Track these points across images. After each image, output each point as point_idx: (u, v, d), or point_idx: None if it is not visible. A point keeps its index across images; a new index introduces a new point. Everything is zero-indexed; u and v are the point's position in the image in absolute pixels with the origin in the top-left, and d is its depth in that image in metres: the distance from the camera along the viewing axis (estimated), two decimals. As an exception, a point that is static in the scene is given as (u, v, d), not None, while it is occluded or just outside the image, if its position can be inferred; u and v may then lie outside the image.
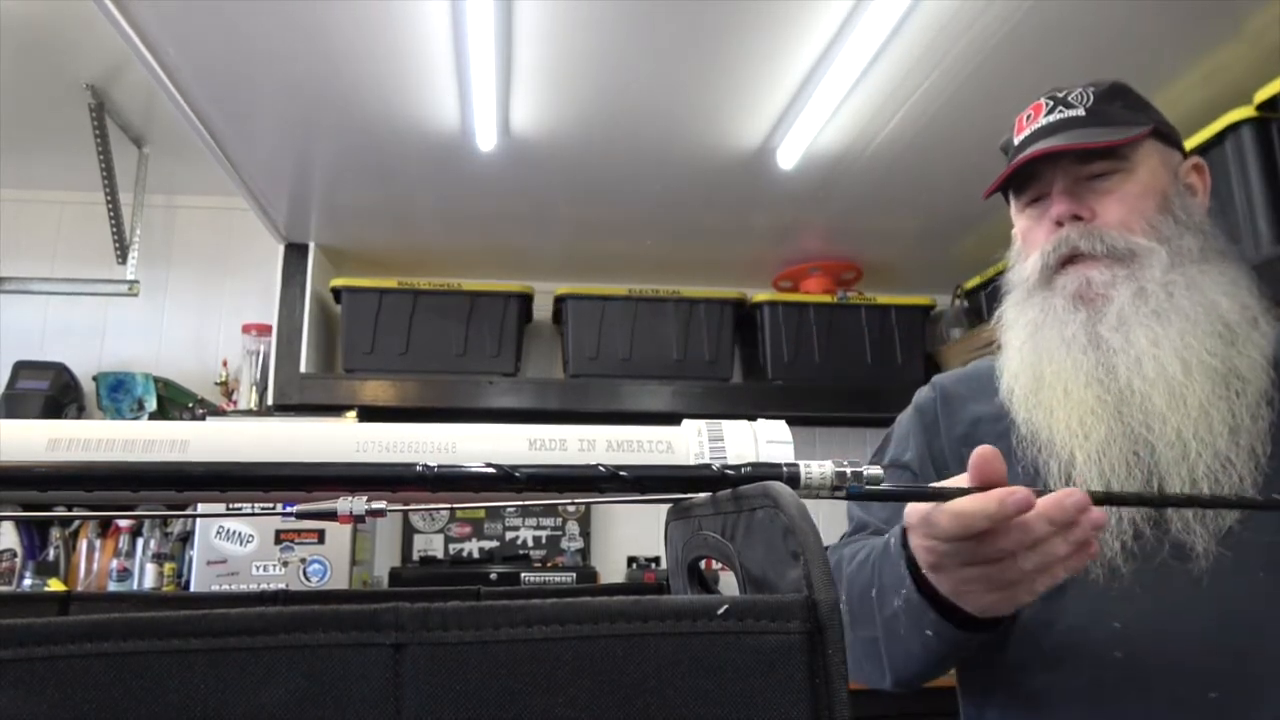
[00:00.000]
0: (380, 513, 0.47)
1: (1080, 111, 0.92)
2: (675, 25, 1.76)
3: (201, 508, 1.13)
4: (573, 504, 0.59)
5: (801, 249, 2.97)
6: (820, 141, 2.18)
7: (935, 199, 2.53)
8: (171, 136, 2.66)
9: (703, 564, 0.58)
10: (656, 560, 3.01)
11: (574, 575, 2.88)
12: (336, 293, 2.91)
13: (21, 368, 2.78)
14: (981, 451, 0.61)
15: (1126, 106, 0.93)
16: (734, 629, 0.35)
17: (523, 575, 2.83)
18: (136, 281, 2.82)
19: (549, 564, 3.01)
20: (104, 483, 0.45)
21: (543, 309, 3.07)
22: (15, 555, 2.63)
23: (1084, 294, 0.89)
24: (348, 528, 2.44)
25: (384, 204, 2.61)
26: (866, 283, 3.16)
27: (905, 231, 2.80)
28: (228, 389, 2.90)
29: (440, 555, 3.01)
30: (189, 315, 3.04)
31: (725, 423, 0.60)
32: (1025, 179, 0.95)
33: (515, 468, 0.47)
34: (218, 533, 2.43)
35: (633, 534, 3.11)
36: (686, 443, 0.59)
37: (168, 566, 2.62)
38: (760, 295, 3.04)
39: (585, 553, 3.08)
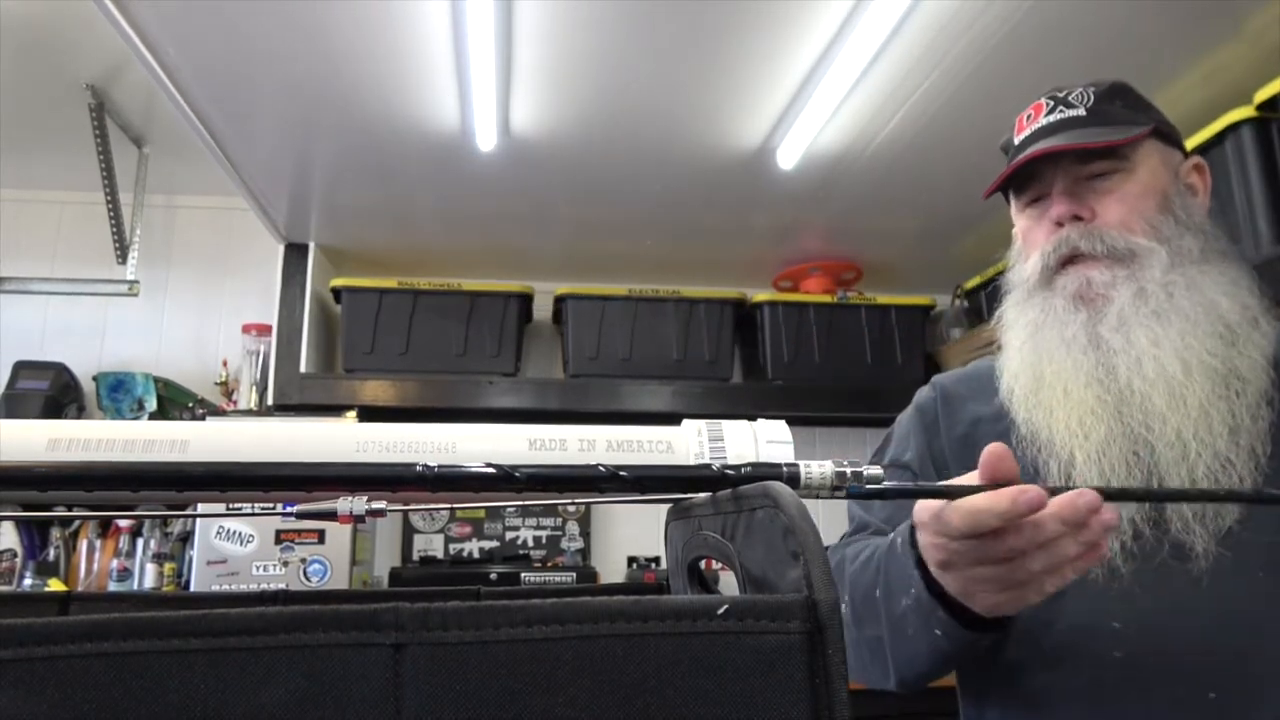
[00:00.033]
0: (380, 513, 0.47)
1: (1081, 111, 0.92)
2: (675, 25, 1.76)
3: (201, 508, 1.13)
4: (573, 504, 0.59)
5: (801, 249, 2.96)
6: (820, 141, 2.18)
7: (935, 199, 2.53)
8: (171, 136, 2.66)
9: (703, 564, 0.58)
10: (656, 560, 3.01)
11: (574, 575, 2.88)
12: (336, 293, 2.91)
13: (21, 368, 2.78)
14: (993, 449, 0.60)
15: (1127, 106, 0.93)
16: (734, 629, 0.35)
17: (523, 575, 2.83)
18: (136, 281, 2.82)
19: (549, 564, 3.01)
20: (104, 483, 0.45)
21: (543, 309, 3.07)
22: (15, 555, 2.63)
23: (1084, 294, 0.89)
24: (348, 528, 2.43)
25: (384, 204, 2.61)
26: (866, 283, 3.16)
27: (905, 231, 2.80)
28: (228, 389, 2.89)
29: (440, 555, 3.00)
30: (189, 315, 3.04)
31: (725, 423, 0.60)
32: (1025, 179, 0.95)
33: (515, 468, 0.47)
34: (218, 533, 2.43)
35: (633, 534, 3.11)
36: (686, 443, 0.59)
37: (168, 566, 2.62)
38: (760, 295, 3.04)
39: (585, 553, 3.08)
